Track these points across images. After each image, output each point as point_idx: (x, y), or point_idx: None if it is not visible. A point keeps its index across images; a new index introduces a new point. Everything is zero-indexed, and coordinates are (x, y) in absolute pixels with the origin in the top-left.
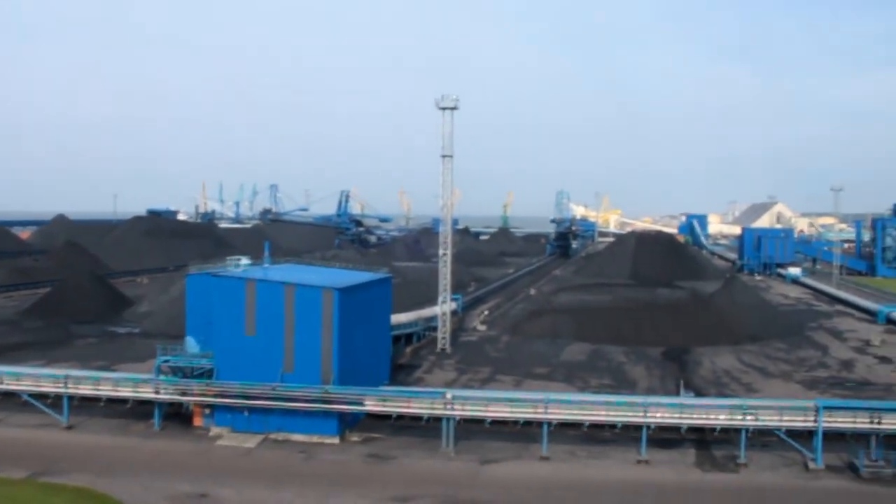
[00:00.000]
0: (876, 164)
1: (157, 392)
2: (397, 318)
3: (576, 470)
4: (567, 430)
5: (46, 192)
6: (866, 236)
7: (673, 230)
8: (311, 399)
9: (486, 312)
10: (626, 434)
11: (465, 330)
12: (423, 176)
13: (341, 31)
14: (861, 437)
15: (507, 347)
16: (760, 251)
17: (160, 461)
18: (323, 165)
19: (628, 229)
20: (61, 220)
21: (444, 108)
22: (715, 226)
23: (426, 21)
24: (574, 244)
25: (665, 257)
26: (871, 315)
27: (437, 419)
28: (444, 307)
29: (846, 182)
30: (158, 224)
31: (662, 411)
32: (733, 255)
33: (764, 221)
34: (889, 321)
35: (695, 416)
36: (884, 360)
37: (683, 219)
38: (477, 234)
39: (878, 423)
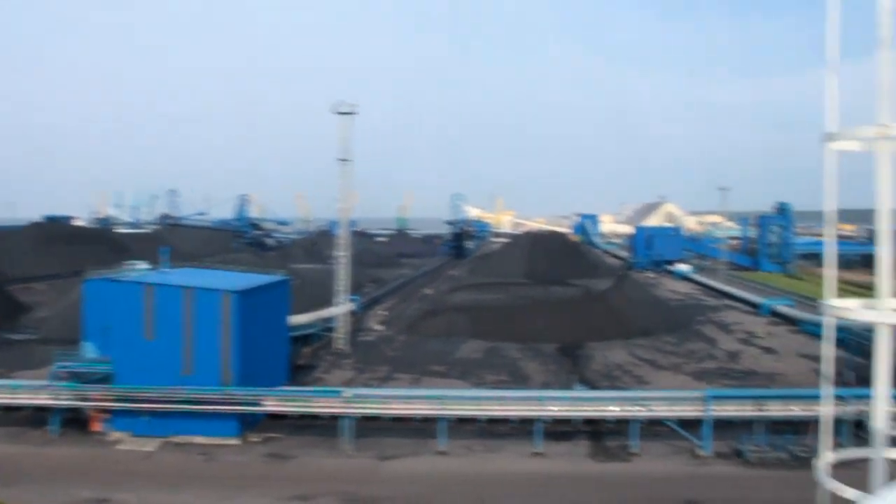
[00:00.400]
0: (762, 163)
1: (55, 398)
2: (296, 319)
3: (473, 464)
4: (464, 426)
5: None
6: (751, 233)
7: (566, 230)
8: (213, 401)
9: (383, 313)
10: (522, 428)
11: (362, 330)
12: (322, 180)
13: (234, 33)
14: (747, 424)
15: (404, 346)
16: (651, 249)
17: (59, 468)
18: (224, 172)
19: (522, 230)
20: None
21: (340, 113)
22: (608, 225)
23: (324, 26)
24: (469, 245)
25: (559, 256)
26: (756, 308)
27: (337, 417)
28: (341, 308)
29: (733, 182)
30: (54, 230)
31: (557, 405)
32: (626, 254)
33: (654, 220)
34: (772, 313)
35: (588, 408)
36: (768, 350)
37: (576, 219)
38: (374, 236)
39: (763, 410)
